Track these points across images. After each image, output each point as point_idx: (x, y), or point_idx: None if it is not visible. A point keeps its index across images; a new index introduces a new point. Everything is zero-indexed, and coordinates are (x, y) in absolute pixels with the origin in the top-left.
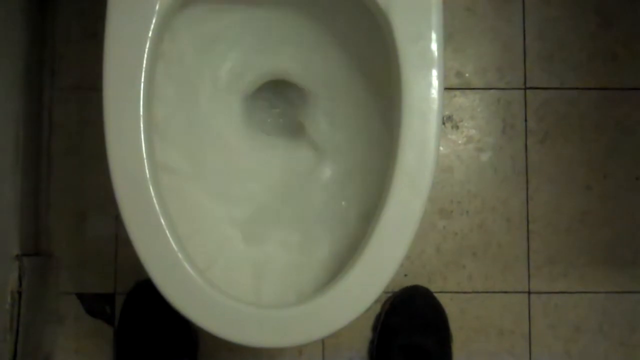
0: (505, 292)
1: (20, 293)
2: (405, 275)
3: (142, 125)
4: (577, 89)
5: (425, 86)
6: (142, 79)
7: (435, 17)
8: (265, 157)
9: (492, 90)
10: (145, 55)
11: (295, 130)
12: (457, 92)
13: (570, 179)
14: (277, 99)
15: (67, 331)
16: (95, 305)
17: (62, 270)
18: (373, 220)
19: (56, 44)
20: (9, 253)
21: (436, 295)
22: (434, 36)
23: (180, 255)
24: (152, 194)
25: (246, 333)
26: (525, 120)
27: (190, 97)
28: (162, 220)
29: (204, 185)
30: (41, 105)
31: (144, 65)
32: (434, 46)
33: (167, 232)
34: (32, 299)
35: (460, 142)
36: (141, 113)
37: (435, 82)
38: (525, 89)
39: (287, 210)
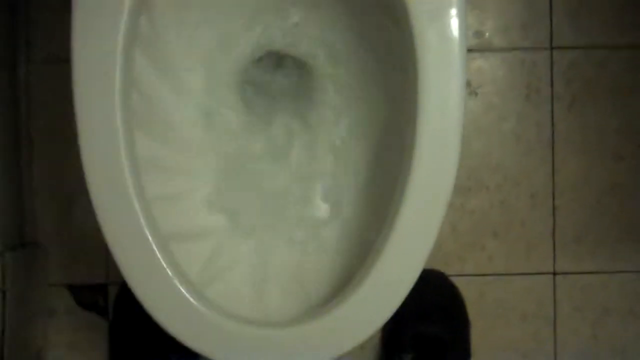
0: (529, 274)
1: (4, 292)
2: None
3: (118, 115)
4: (607, 47)
5: (445, 83)
6: (118, 62)
7: None
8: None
9: (515, 51)
10: (121, 34)
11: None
12: (477, 54)
13: (600, 149)
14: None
15: (59, 325)
16: (87, 296)
17: (50, 261)
18: (388, 222)
19: (30, 11)
20: None
21: (453, 279)
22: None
23: (170, 272)
24: (134, 199)
25: (247, 356)
26: (552, 85)
27: (177, 80)
28: (147, 232)
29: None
30: (16, 81)
31: (120, 46)
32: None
33: (154, 247)
34: (18, 295)
35: (479, 110)
36: (117, 102)
37: (456, 83)
38: (552, 48)
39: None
